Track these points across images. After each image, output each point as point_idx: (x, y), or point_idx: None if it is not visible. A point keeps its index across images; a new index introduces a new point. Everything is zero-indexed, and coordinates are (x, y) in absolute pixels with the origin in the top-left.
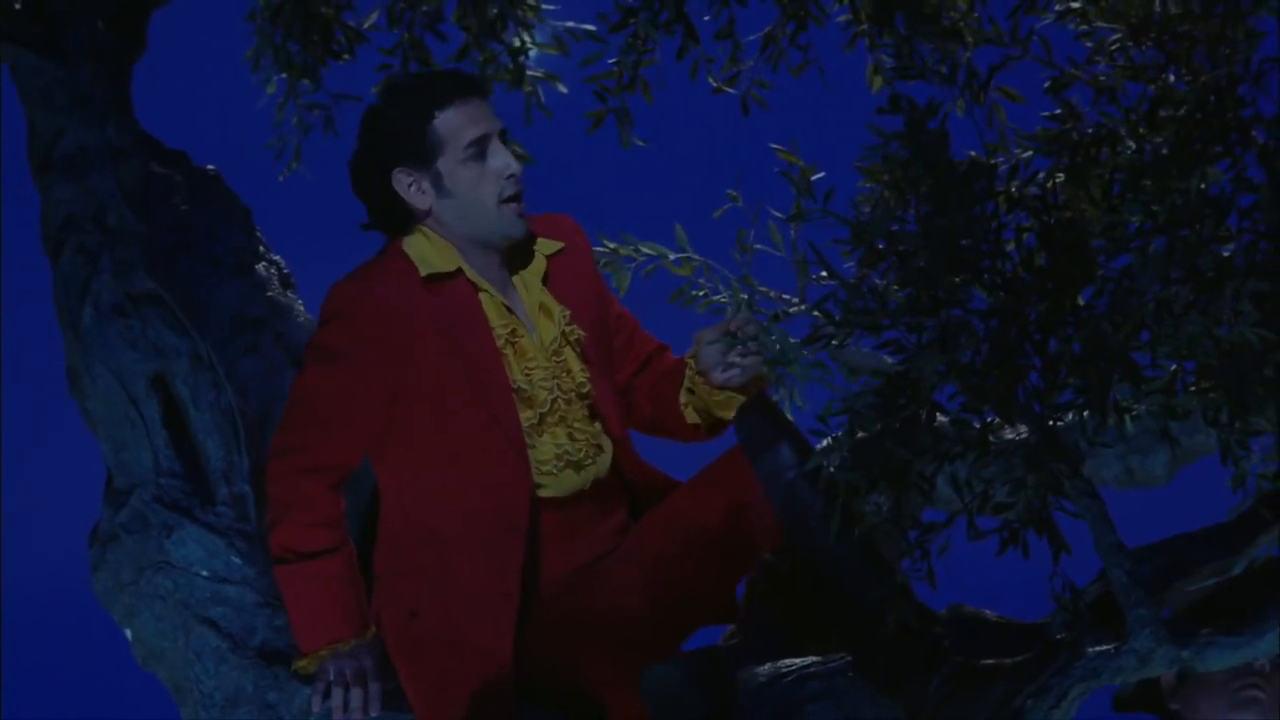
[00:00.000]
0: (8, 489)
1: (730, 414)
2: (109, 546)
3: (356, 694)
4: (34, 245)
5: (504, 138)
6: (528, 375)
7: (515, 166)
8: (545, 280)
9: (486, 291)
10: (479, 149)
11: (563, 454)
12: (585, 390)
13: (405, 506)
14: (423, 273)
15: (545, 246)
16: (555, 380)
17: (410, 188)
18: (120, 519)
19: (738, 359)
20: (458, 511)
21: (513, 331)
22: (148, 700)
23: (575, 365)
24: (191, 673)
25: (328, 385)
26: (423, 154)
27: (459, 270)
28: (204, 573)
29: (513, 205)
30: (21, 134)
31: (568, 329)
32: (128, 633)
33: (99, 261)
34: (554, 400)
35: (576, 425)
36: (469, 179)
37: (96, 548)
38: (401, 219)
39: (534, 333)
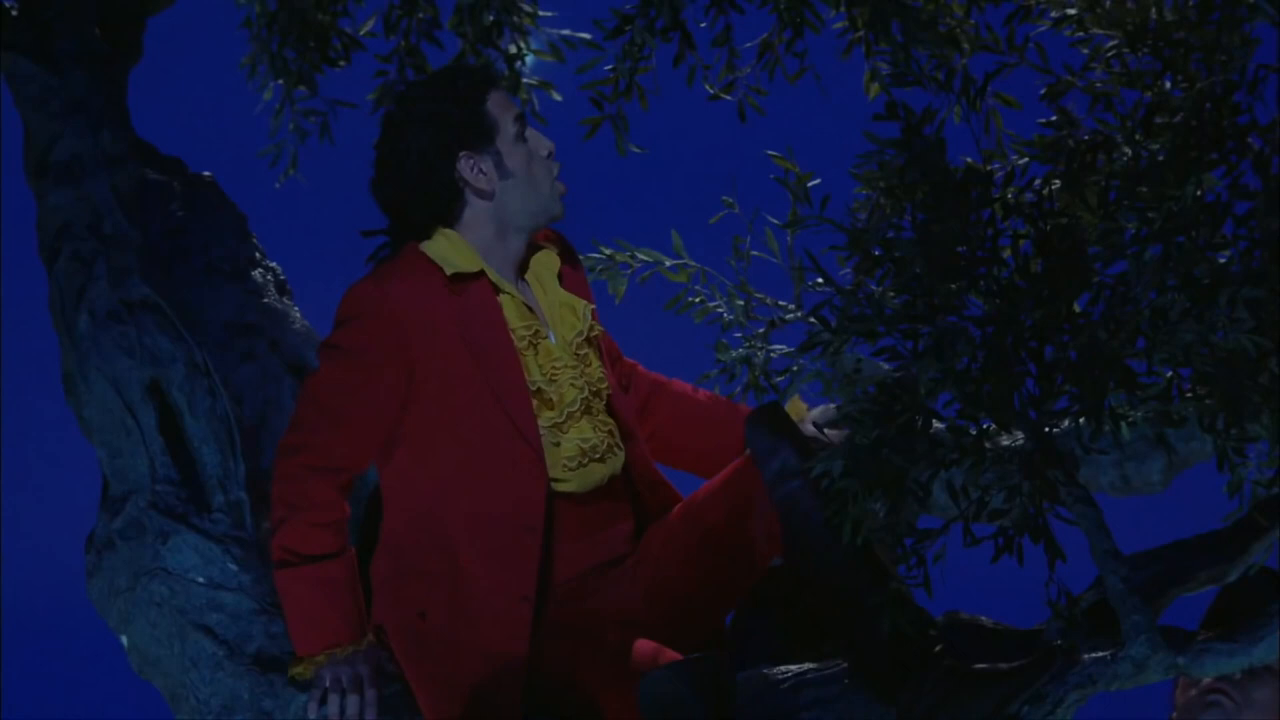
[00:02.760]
0: (7, 494)
1: None
2: (105, 553)
3: (353, 700)
4: (32, 251)
5: None
6: (551, 376)
7: (549, 143)
8: (559, 279)
9: (509, 293)
10: (521, 128)
11: (588, 449)
12: (604, 386)
13: (412, 510)
14: (448, 271)
15: (552, 246)
16: (583, 377)
17: (474, 171)
18: (116, 525)
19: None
20: (471, 513)
21: (535, 333)
22: (146, 706)
23: (595, 362)
24: (187, 680)
25: (340, 384)
26: (484, 135)
27: (481, 271)
28: (200, 579)
29: (558, 185)
30: (18, 140)
31: (590, 323)
32: (123, 639)
33: (94, 268)
34: (583, 397)
35: (600, 418)
36: (522, 157)
37: (92, 554)
38: (446, 208)
39: (552, 332)
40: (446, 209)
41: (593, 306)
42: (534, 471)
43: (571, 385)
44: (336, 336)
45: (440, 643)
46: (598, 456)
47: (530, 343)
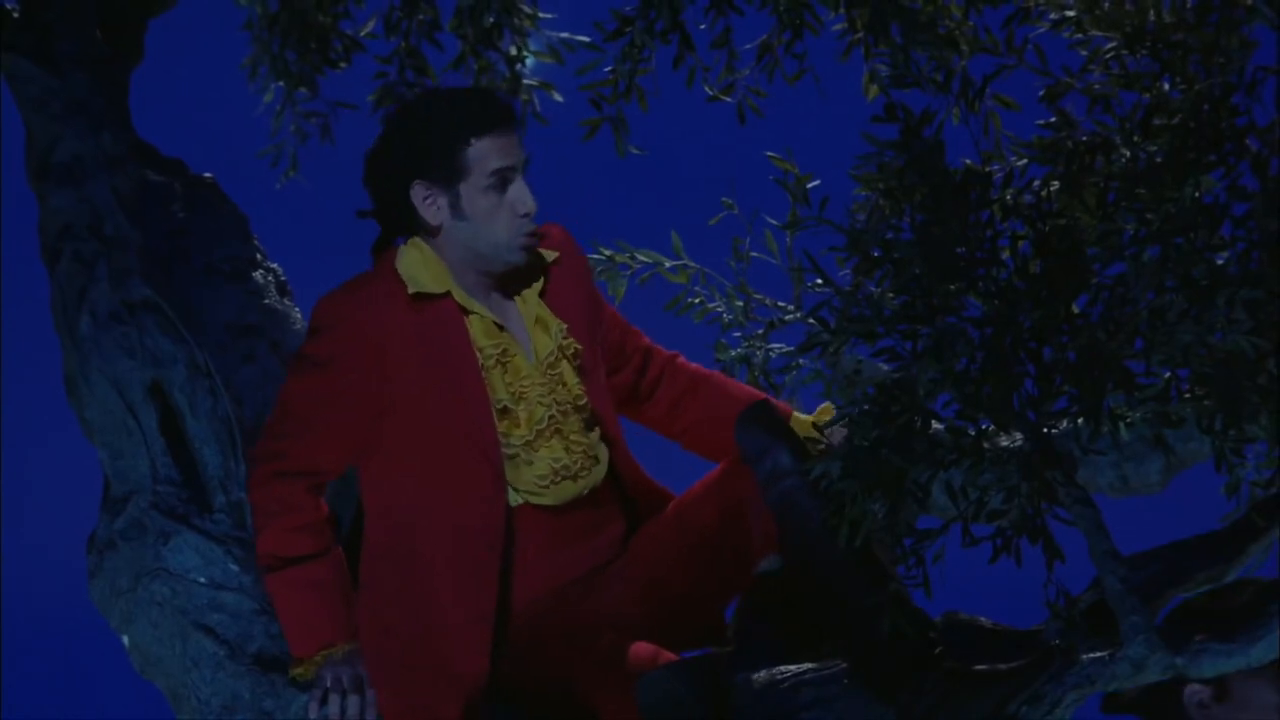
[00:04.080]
0: (7, 494)
1: None
2: (106, 553)
3: (354, 700)
4: (33, 252)
5: (524, 167)
6: (519, 393)
7: (530, 204)
8: (542, 293)
9: (476, 313)
10: (500, 180)
11: (560, 468)
12: (582, 403)
13: (383, 524)
14: (411, 290)
15: (542, 258)
16: (552, 395)
17: (426, 201)
18: (117, 526)
19: None
20: (433, 531)
21: (504, 350)
22: (147, 705)
23: (571, 379)
24: (189, 680)
25: (310, 393)
26: (448, 174)
27: (447, 292)
28: (201, 580)
29: (524, 239)
30: (19, 142)
31: (564, 343)
32: (125, 640)
33: (96, 269)
34: (551, 415)
35: (573, 438)
36: (486, 207)
37: (94, 555)
38: (403, 222)
39: (529, 348)
40: (399, 222)
41: (565, 325)
42: (495, 490)
43: (540, 403)
44: (307, 347)
45: (402, 657)
46: (569, 475)
47: (498, 361)
